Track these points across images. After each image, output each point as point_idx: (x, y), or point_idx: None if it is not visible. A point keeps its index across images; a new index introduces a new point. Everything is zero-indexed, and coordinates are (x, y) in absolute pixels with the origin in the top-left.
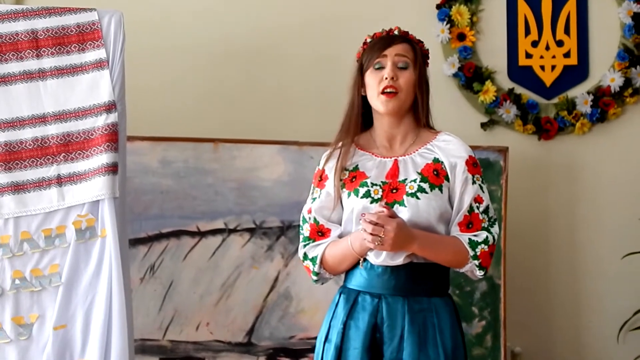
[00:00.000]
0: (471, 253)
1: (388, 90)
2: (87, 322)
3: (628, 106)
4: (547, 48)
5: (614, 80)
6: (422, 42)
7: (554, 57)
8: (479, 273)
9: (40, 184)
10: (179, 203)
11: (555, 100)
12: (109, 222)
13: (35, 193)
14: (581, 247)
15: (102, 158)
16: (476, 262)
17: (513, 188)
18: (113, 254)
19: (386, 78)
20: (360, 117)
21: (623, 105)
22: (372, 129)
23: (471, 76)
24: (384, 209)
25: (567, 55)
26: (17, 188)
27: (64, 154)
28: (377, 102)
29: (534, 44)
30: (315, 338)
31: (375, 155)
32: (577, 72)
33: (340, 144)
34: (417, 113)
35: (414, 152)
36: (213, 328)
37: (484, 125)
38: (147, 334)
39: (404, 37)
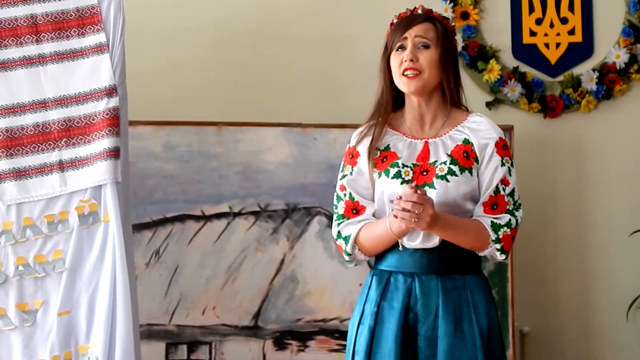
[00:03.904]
0: (493, 237)
1: (408, 72)
2: (91, 308)
3: (634, 82)
4: (552, 25)
5: (620, 57)
6: (448, 19)
7: (558, 34)
8: (501, 257)
9: (42, 170)
10: (183, 187)
11: (561, 77)
12: (112, 207)
13: (37, 179)
14: (588, 225)
15: (103, 143)
16: (497, 245)
17: (519, 167)
18: (116, 238)
19: (405, 60)
20: (392, 98)
21: (629, 81)
22: (404, 108)
23: (475, 55)
24: (417, 190)
25: (571, 32)
26: (19, 174)
27: (65, 139)
28: (400, 84)
29: (538, 21)
30: (322, 320)
31: (406, 136)
32: (582, 49)
33: (372, 123)
34: (444, 93)
35: (445, 134)
36: (219, 312)
37: (489, 104)
38: (154, 318)
39: (427, 16)
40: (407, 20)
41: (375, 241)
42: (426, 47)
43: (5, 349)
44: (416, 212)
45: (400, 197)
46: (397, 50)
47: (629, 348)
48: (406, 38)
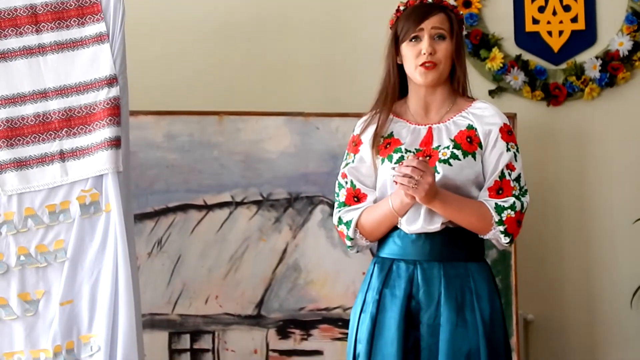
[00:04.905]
0: (496, 218)
1: (427, 65)
2: (93, 297)
3: (637, 70)
4: (554, 13)
5: (623, 44)
6: (456, 8)
7: (561, 22)
8: (505, 240)
9: (43, 160)
10: (184, 177)
11: (564, 65)
12: (113, 197)
13: (38, 169)
14: (591, 213)
15: (104, 132)
16: (501, 227)
17: (522, 155)
18: (118, 228)
19: (424, 53)
20: (398, 86)
21: (632, 69)
22: (407, 97)
23: (478, 43)
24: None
25: (574, 20)
26: (20, 164)
27: (66, 129)
28: (416, 74)
29: (541, 9)
30: (326, 309)
31: (410, 123)
32: (585, 37)
33: (376, 110)
34: (454, 82)
35: (449, 119)
36: (222, 301)
37: (491, 93)
38: (156, 308)
39: (441, 6)
40: (422, 10)
41: (377, 222)
42: (442, 38)
43: (7, 338)
44: (415, 177)
45: (402, 164)
46: (412, 40)
47: (633, 335)
48: (422, 29)
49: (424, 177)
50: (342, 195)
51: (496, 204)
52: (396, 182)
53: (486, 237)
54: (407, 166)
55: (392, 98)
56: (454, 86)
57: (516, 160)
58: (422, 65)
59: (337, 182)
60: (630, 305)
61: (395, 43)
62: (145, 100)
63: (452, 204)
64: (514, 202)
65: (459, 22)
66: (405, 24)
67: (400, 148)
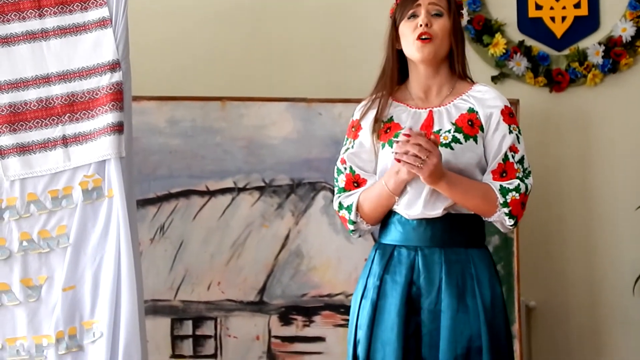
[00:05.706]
0: (501, 200)
1: (423, 37)
2: (96, 283)
3: None
4: None
5: (626, 30)
6: None
7: (564, 8)
8: (509, 222)
9: (46, 145)
10: (187, 163)
11: (566, 51)
12: (116, 182)
13: (40, 154)
14: (594, 199)
15: (107, 117)
16: (505, 209)
17: (525, 141)
18: (121, 214)
19: (421, 25)
20: (397, 72)
21: (635, 55)
22: (407, 82)
23: (481, 29)
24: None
25: (577, 5)
26: (23, 149)
27: (68, 114)
28: (413, 49)
29: None
30: (328, 295)
31: (410, 107)
32: (587, 23)
33: (376, 95)
34: (453, 63)
35: (450, 103)
36: (224, 287)
37: (494, 79)
38: (158, 294)
39: None
40: None
41: (374, 203)
42: (439, 15)
43: (10, 324)
44: (422, 157)
45: (406, 134)
46: (409, 18)
47: (636, 322)
48: (419, 5)
49: (430, 157)
50: (341, 181)
51: (501, 186)
52: (398, 160)
53: (490, 219)
54: (414, 144)
55: (392, 82)
56: (453, 69)
57: (519, 142)
58: (418, 38)
59: (336, 167)
60: (632, 292)
61: (395, 29)
62: (148, 86)
63: (458, 186)
64: (519, 184)
65: (457, 7)
66: (402, 6)
67: (400, 132)
